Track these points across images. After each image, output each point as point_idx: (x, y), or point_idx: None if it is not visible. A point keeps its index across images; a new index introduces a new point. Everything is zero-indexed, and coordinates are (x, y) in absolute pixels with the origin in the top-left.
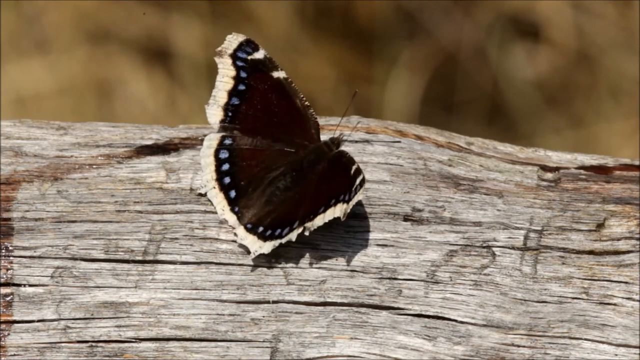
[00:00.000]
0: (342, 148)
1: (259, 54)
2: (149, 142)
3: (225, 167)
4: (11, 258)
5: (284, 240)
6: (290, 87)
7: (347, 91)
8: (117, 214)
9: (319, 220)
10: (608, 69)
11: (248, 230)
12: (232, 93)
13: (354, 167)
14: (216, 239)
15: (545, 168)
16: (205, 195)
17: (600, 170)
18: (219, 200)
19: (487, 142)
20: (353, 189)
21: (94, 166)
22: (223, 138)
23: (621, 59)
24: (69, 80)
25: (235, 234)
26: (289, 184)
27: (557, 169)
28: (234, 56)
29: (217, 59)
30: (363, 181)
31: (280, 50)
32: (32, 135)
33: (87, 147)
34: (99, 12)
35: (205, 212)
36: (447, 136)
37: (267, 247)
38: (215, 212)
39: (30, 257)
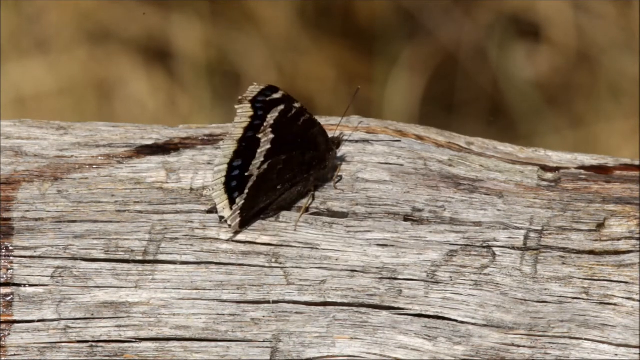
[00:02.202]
0: (342, 147)
1: (278, 94)
2: (149, 142)
3: (236, 172)
4: (11, 258)
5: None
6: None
7: (347, 91)
8: (117, 214)
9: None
10: (608, 69)
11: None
12: (247, 128)
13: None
14: (216, 239)
15: (545, 168)
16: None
17: (601, 170)
18: (221, 200)
19: (487, 142)
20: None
21: (94, 166)
22: (237, 154)
23: (621, 59)
24: (69, 80)
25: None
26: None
27: (557, 169)
28: (253, 100)
29: (236, 106)
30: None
31: (280, 50)
32: (32, 135)
33: (88, 147)
34: (99, 12)
35: (205, 212)
36: (448, 136)
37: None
38: (215, 212)
39: (30, 257)
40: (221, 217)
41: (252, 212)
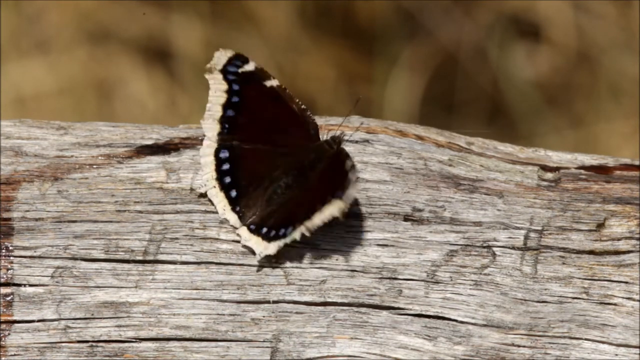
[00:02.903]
0: (343, 147)
1: (249, 66)
2: (149, 142)
3: (226, 166)
4: (11, 258)
5: (288, 240)
6: (284, 94)
7: (347, 91)
8: (117, 213)
9: (318, 219)
10: (608, 69)
11: (252, 231)
12: (226, 106)
13: (348, 164)
14: (216, 238)
15: (545, 168)
16: (205, 195)
17: (601, 170)
18: (219, 200)
19: (487, 142)
20: (346, 184)
21: (94, 166)
22: (223, 141)
23: (621, 59)
24: (69, 80)
25: (239, 235)
26: (291, 182)
27: (557, 169)
28: (224, 71)
29: (207, 76)
30: (356, 178)
31: (280, 50)
32: (33, 135)
33: (88, 147)
34: (99, 12)
35: (206, 212)
36: (448, 136)
37: (272, 248)
38: (216, 212)
39: (30, 257)
40: (224, 219)
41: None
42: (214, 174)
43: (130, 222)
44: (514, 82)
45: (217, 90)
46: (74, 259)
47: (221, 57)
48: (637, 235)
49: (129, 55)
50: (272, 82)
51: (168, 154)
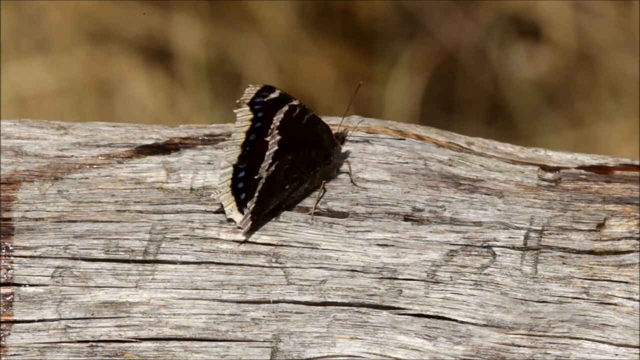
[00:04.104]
0: (344, 146)
1: (274, 94)
2: (149, 142)
3: (241, 175)
4: (11, 258)
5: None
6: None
7: (348, 91)
8: (117, 213)
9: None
10: (608, 69)
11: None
12: (249, 132)
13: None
14: (216, 238)
15: (545, 168)
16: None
17: (601, 170)
18: (229, 202)
19: (487, 142)
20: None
21: (95, 166)
22: (242, 159)
23: (621, 59)
24: (69, 80)
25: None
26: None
27: (557, 168)
28: (251, 103)
29: (236, 110)
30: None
31: (280, 50)
32: (33, 135)
33: (88, 147)
34: (99, 12)
35: (206, 212)
36: (448, 136)
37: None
38: (216, 212)
39: (30, 256)
40: (229, 219)
41: (262, 214)
42: (229, 182)
43: (130, 222)
44: (514, 82)
45: (243, 120)
46: (74, 258)
47: (250, 93)
48: (637, 235)
49: (129, 55)
50: (293, 103)
51: (168, 154)
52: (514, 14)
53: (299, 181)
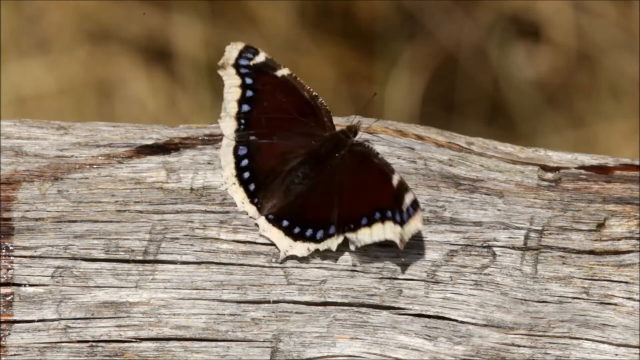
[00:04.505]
0: (364, 142)
1: (260, 57)
2: (150, 142)
3: (244, 162)
4: (11, 258)
5: (321, 247)
6: (295, 82)
7: (347, 91)
8: (117, 213)
9: (365, 236)
10: (608, 69)
11: (270, 221)
12: (241, 101)
13: (395, 179)
14: (216, 238)
15: (545, 168)
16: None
17: (601, 170)
18: (238, 194)
19: (487, 142)
20: (404, 209)
21: (95, 166)
22: (241, 137)
23: (621, 59)
24: (69, 80)
25: (257, 225)
26: (308, 171)
27: (557, 168)
28: (236, 65)
29: (220, 72)
30: (415, 203)
31: (281, 50)
32: (33, 135)
33: (88, 147)
34: (99, 12)
35: (206, 212)
36: (448, 136)
37: (300, 249)
38: (216, 212)
39: (30, 256)
40: (243, 211)
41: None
42: (233, 172)
43: (130, 222)
44: (514, 82)
45: (231, 87)
46: (74, 258)
47: (232, 51)
48: (637, 235)
49: (129, 55)
50: (283, 72)
51: (168, 154)
52: (514, 14)
53: None
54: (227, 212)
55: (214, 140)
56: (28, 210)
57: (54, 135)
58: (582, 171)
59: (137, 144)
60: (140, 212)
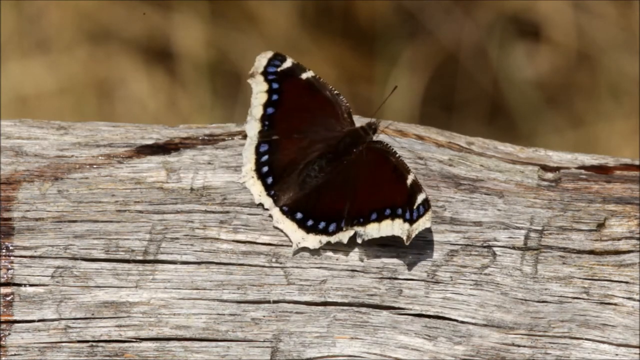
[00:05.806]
0: (383, 140)
1: (287, 63)
2: (150, 142)
3: (264, 158)
4: (12, 258)
5: (333, 240)
6: (318, 83)
7: (347, 91)
8: (117, 213)
9: (373, 230)
10: (608, 69)
11: (284, 213)
12: (266, 105)
13: (410, 178)
14: (217, 238)
15: (545, 168)
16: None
17: (601, 170)
18: (256, 187)
19: (487, 142)
20: (414, 207)
21: (95, 166)
22: (263, 137)
23: (621, 59)
24: (70, 79)
25: (270, 216)
26: (324, 165)
27: (557, 168)
28: (265, 73)
29: (249, 81)
30: (427, 203)
31: (281, 50)
32: (33, 135)
33: (88, 147)
34: (100, 12)
35: (206, 212)
36: (448, 136)
37: (312, 241)
38: (216, 212)
39: (30, 256)
40: (259, 204)
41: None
42: (253, 166)
43: (130, 222)
44: (514, 82)
45: (259, 92)
46: (74, 258)
47: (261, 60)
48: (638, 235)
49: (129, 55)
50: (308, 74)
51: (168, 154)
52: (514, 14)
53: None
54: (227, 212)
55: (214, 140)
56: (28, 210)
57: (54, 135)
58: (582, 171)
59: (137, 144)
60: (141, 212)
